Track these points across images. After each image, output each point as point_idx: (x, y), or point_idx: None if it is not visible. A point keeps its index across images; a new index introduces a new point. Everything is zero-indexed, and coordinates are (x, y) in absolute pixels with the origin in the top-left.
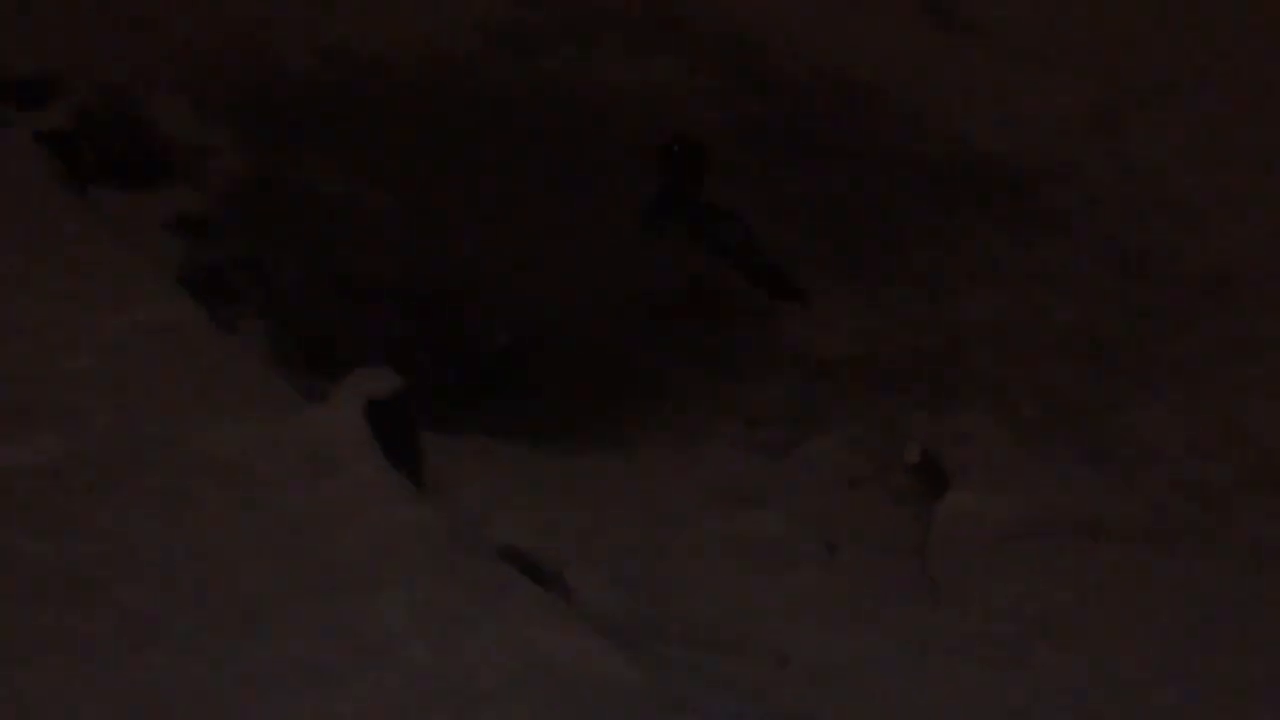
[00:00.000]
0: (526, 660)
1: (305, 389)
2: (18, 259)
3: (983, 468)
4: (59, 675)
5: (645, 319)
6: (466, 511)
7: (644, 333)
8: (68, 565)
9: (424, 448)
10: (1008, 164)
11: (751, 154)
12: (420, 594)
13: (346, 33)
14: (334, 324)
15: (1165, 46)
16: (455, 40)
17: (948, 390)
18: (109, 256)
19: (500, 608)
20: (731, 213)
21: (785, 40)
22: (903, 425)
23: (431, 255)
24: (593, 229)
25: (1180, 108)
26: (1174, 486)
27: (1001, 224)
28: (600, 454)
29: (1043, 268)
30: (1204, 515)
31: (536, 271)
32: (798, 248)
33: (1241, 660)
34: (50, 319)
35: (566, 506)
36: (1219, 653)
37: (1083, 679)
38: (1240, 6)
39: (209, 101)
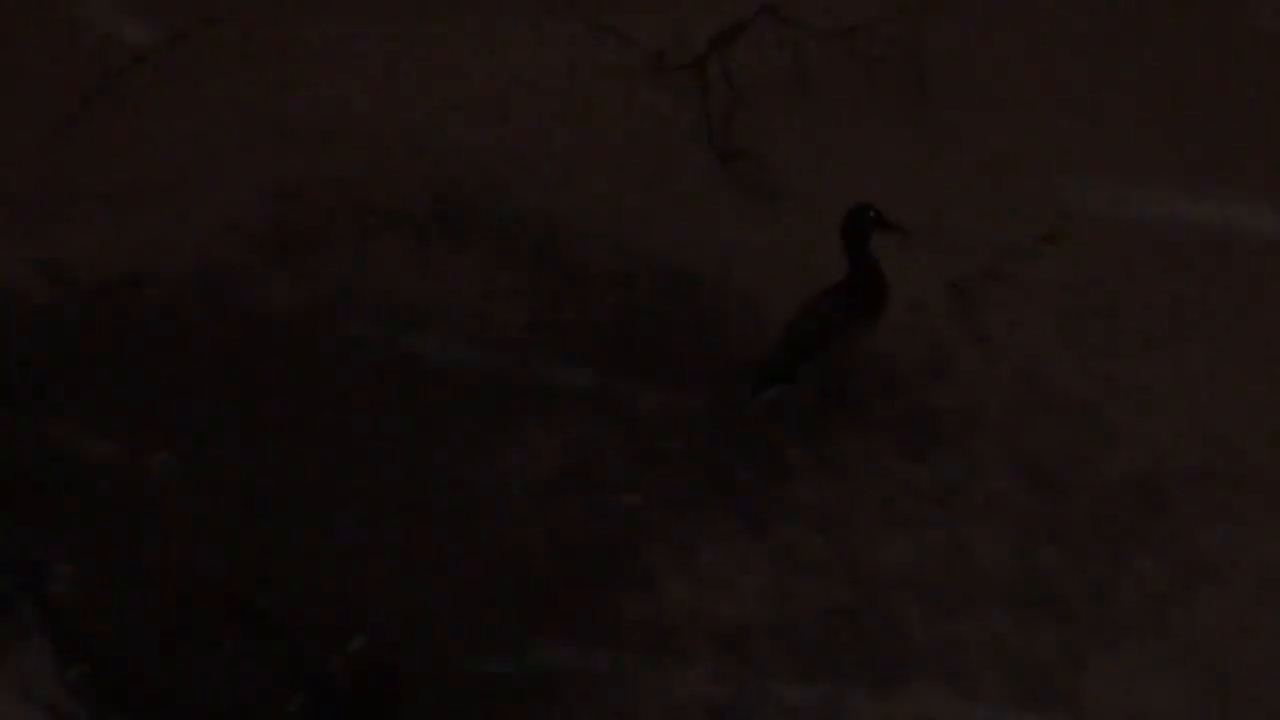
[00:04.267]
0: None
1: None
2: None
3: None
4: None
5: (520, 604)
6: None
7: (519, 623)
8: None
9: None
10: (873, 359)
11: (570, 363)
12: None
13: (77, 245)
14: (136, 640)
15: (1005, 211)
16: (214, 249)
17: (888, 658)
18: None
19: None
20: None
21: (587, 227)
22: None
23: (246, 535)
24: (434, 480)
25: (1036, 277)
26: None
27: (886, 434)
28: None
29: (946, 489)
30: None
31: (378, 547)
32: (653, 483)
33: None
34: None
35: None
36: None
37: None
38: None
39: None
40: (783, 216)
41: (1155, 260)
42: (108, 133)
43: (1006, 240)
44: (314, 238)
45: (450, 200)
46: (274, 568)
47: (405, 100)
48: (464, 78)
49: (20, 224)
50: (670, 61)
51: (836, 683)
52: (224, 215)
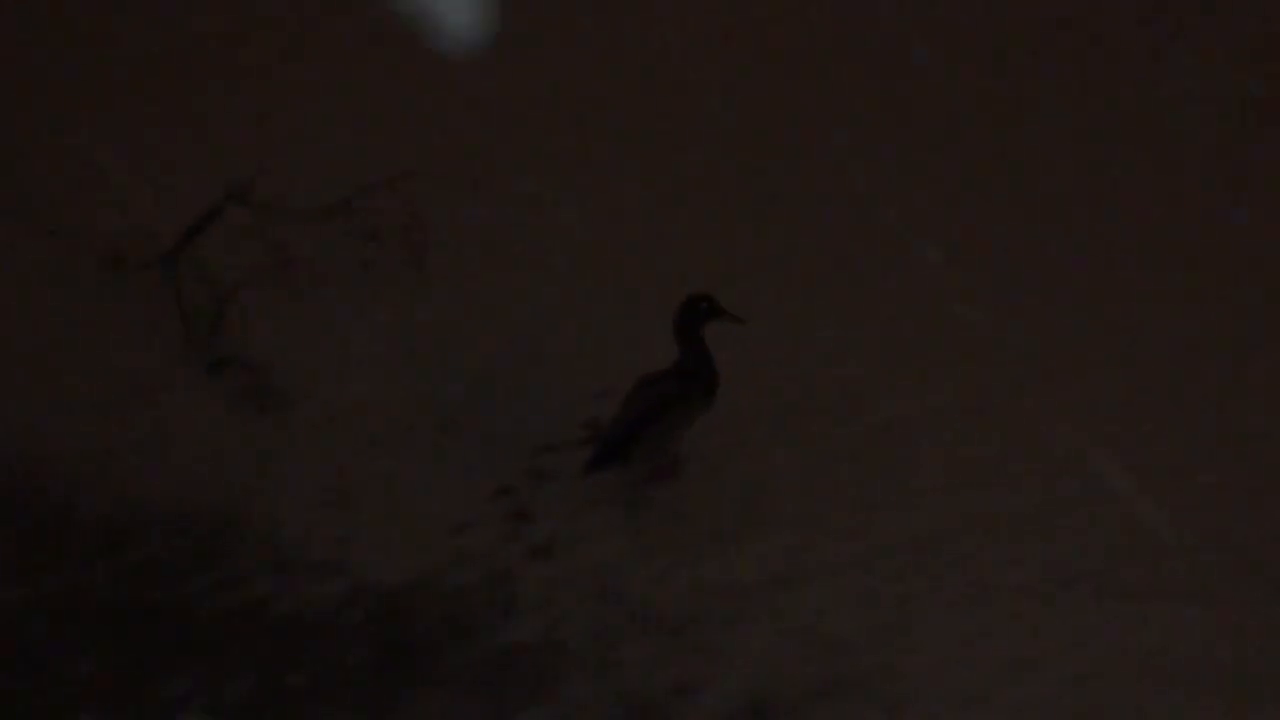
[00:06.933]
0: None
1: None
2: None
3: None
4: None
5: None
6: None
7: None
8: None
9: None
10: (433, 599)
11: (70, 648)
12: None
13: None
14: None
15: (544, 395)
16: None
17: None
18: None
19: None
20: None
21: (63, 473)
22: None
23: None
24: None
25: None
26: None
27: (462, 689)
28: None
29: None
30: None
31: None
32: None
33: None
34: None
35: None
36: None
37: None
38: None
39: None
40: (291, 428)
41: (720, 443)
42: None
43: (542, 427)
44: None
45: None
46: None
47: None
48: None
49: None
50: (133, 262)
51: None
52: None
